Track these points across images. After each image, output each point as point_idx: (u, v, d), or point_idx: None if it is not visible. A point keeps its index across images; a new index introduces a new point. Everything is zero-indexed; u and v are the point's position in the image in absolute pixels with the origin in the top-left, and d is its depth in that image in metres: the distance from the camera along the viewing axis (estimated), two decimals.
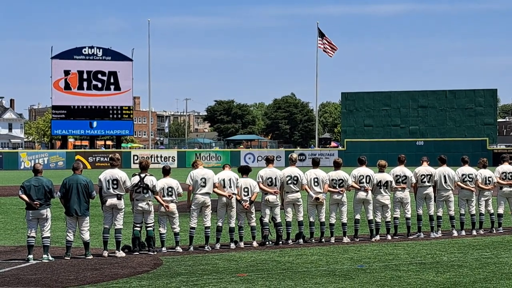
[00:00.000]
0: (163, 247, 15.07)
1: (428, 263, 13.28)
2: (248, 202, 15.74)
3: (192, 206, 15.50)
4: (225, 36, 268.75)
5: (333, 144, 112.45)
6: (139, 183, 14.92)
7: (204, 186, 15.45)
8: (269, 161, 16.37)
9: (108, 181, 14.75)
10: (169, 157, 70.09)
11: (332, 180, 16.56)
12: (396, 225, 17.16)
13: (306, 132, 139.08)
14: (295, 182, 16.17)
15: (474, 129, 70.60)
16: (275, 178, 16.02)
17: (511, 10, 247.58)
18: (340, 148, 77.56)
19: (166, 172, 15.51)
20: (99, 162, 67.15)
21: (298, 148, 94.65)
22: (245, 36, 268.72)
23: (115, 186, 14.71)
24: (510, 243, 15.96)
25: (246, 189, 15.79)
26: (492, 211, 17.96)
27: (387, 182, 16.93)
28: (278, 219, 16.00)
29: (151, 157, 68.31)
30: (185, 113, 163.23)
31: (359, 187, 16.69)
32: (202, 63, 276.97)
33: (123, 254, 14.58)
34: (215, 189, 15.59)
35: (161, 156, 70.16)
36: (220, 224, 15.63)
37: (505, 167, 18.24)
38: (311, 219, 16.37)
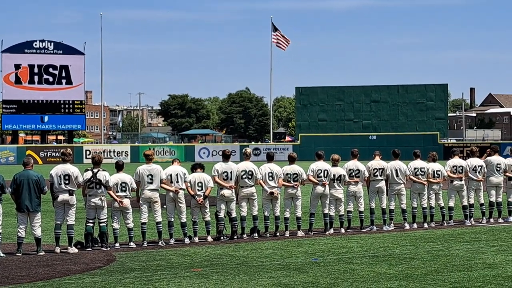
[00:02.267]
0: (116, 243, 14.94)
1: (381, 256, 13.43)
2: (202, 197, 15.69)
3: (140, 202, 15.42)
4: (179, 30, 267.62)
5: (287, 138, 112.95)
6: (92, 179, 14.77)
7: (151, 183, 15.35)
8: (225, 156, 16.32)
9: (60, 176, 14.55)
10: (122, 152, 69.48)
11: (287, 174, 16.61)
12: (349, 218, 17.31)
13: (261, 126, 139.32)
14: (249, 176, 16.18)
15: (426, 123, 71.55)
16: (231, 173, 16.01)
17: (462, 5, 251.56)
18: (294, 142, 77.93)
19: (119, 167, 15.38)
20: (51, 157, 66.16)
21: (253, 143, 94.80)
22: (199, 30, 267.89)
23: (67, 182, 14.53)
24: (460, 235, 16.24)
25: (200, 184, 15.74)
26: (442, 205, 18.24)
27: (340, 176, 17.06)
28: (233, 214, 16.00)
29: (104, 152, 67.60)
30: (138, 108, 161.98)
31: (317, 181, 16.78)
32: (155, 57, 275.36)
33: (76, 250, 14.42)
34: (162, 185, 15.49)
35: (114, 151, 69.50)
36: (171, 219, 15.56)
37: (455, 160, 18.53)
38: (266, 214, 16.41)
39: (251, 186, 16.24)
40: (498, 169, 18.72)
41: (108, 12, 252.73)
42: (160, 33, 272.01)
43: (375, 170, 17.49)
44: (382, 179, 17.54)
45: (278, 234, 16.43)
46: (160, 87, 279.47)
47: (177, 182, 15.58)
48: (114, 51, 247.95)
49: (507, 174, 18.90)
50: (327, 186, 16.85)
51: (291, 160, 16.94)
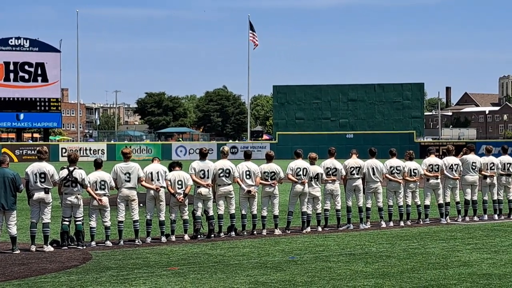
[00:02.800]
0: (93, 241, 14.86)
1: (358, 254, 13.49)
2: (182, 195, 15.66)
3: (118, 200, 15.35)
4: (157, 28, 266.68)
5: (265, 137, 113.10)
6: (68, 177, 14.67)
7: (128, 181, 15.28)
8: (202, 154, 16.29)
9: (36, 174, 14.44)
10: (98, 150, 69.01)
11: (264, 172, 16.62)
12: (326, 216, 17.37)
13: (238, 125, 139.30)
14: (227, 175, 16.16)
15: (402, 122, 71.90)
16: (208, 171, 15.98)
17: (437, 5, 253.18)
18: (272, 141, 77.97)
19: (98, 165, 15.30)
20: (26, 155, 65.57)
21: (230, 141, 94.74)
22: (177, 27, 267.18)
23: (43, 180, 14.42)
24: (436, 233, 16.35)
25: (180, 182, 15.71)
26: (419, 203, 18.35)
27: (317, 174, 17.10)
28: (211, 212, 15.98)
29: (80, 150, 67.08)
30: (115, 106, 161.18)
31: (296, 179, 16.79)
32: (132, 55, 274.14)
33: (51, 249, 14.32)
34: (143, 182, 15.44)
35: (90, 149, 69.01)
36: (149, 217, 15.50)
37: (431, 159, 18.65)
38: (243, 212, 16.41)
39: (229, 184, 16.22)
40: (474, 167, 18.88)
41: (85, 9, 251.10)
42: (137, 31, 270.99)
43: (352, 169, 17.56)
44: (359, 178, 17.61)
45: (255, 232, 16.43)
46: (137, 85, 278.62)
47: (158, 180, 15.53)
48: (90, 49, 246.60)
49: (482, 172, 19.07)
50: (306, 184, 16.87)
51: (269, 159, 16.95)
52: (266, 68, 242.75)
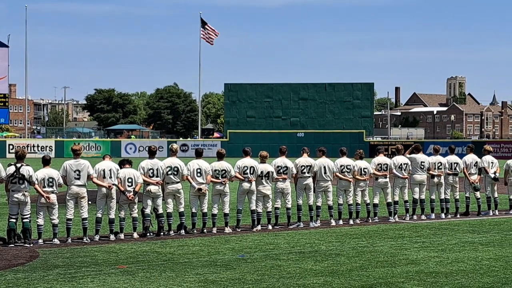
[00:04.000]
0: (40, 239, 14.62)
1: (307, 252, 13.55)
2: (132, 193, 15.52)
3: (67, 197, 15.14)
4: (106, 23, 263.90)
5: (216, 135, 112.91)
6: (15, 174, 14.41)
7: (78, 178, 15.08)
8: (151, 152, 16.17)
9: None
10: (46, 146, 67.99)
11: (215, 170, 16.58)
12: (277, 215, 17.41)
13: (189, 122, 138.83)
14: (175, 172, 16.08)
15: (352, 121, 72.57)
16: (157, 169, 15.87)
17: (388, 6, 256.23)
18: (223, 139, 77.90)
19: (46, 162, 15.04)
20: None
21: (181, 139, 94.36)
22: (127, 23, 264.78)
23: None
24: (385, 232, 16.53)
25: (130, 180, 15.57)
26: (368, 201, 18.53)
27: (268, 172, 17.13)
28: (160, 210, 15.87)
29: (28, 146, 66.01)
30: (63, 102, 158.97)
31: (243, 177, 16.80)
32: (82, 51, 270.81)
33: None
34: (95, 180, 15.26)
35: (38, 146, 67.95)
36: (99, 215, 15.33)
37: (380, 158, 18.84)
38: (193, 210, 16.33)
39: (177, 182, 16.14)
40: (422, 167, 19.15)
41: (33, 4, 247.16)
42: (86, 26, 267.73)
43: (303, 167, 17.64)
44: (309, 176, 17.70)
45: (205, 230, 16.38)
46: (86, 81, 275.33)
47: (110, 177, 15.36)
48: (39, 44, 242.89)
49: (430, 172, 19.35)
50: (253, 182, 16.89)
51: (220, 157, 16.91)
52: (217, 66, 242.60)
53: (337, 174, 18.01)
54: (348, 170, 18.10)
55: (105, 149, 67.29)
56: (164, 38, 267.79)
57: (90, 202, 15.89)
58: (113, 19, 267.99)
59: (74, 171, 15.06)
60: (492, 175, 20.07)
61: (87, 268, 11.93)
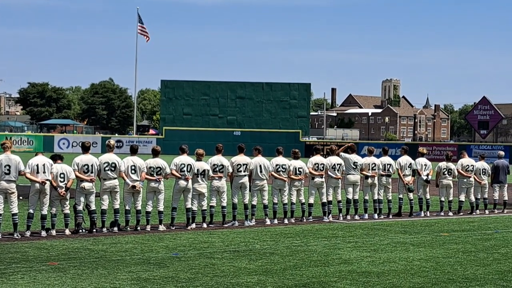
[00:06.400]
0: None
1: (242, 251, 13.55)
2: (64, 189, 15.24)
3: None
4: (41, 16, 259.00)
5: (151, 131, 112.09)
6: None
7: (8, 173, 14.71)
8: (85, 148, 15.90)
9: None
10: None
11: (150, 168, 16.43)
12: (211, 213, 17.35)
13: (124, 118, 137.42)
14: (112, 168, 15.87)
15: (289, 121, 73.03)
16: (92, 165, 15.62)
17: (326, 7, 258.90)
18: (158, 136, 77.35)
19: None
20: None
21: (116, 135, 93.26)
22: (62, 16, 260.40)
23: None
24: (319, 231, 16.66)
25: (62, 175, 15.28)
26: (303, 201, 18.65)
27: (204, 170, 17.07)
28: (93, 207, 15.63)
29: None
30: None
31: (180, 175, 16.69)
32: (15, 44, 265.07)
33: None
34: (28, 175, 14.92)
35: None
36: (31, 211, 15.00)
37: (317, 158, 18.98)
38: (127, 207, 16.14)
39: (114, 178, 15.93)
40: (355, 167, 19.38)
41: None
42: (20, 18, 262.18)
43: (239, 166, 17.63)
44: (245, 175, 17.70)
45: (139, 228, 16.21)
46: (19, 74, 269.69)
47: (44, 173, 15.03)
48: None
49: (364, 172, 19.60)
50: (190, 180, 16.81)
51: (155, 154, 16.77)
52: (154, 62, 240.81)
53: (273, 173, 18.07)
54: (284, 170, 18.18)
55: (37, 143, 66.05)
56: (100, 33, 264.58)
57: (21, 198, 15.53)
58: (48, 11, 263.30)
59: (4, 166, 14.68)
60: (425, 177, 20.47)
61: (17, 264, 11.66)
